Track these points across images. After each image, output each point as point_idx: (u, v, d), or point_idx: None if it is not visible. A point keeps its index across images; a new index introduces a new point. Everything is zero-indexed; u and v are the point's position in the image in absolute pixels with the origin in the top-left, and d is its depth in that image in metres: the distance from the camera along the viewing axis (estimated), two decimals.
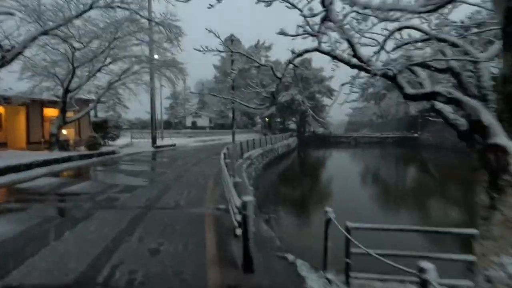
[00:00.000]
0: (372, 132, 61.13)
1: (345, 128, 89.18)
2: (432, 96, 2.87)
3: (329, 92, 48.76)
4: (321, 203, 11.91)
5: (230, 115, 51.32)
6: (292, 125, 68.36)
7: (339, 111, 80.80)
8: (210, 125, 51.00)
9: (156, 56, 15.26)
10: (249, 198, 3.55)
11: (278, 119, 63.56)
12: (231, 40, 8.19)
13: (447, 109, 3.58)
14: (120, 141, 21.25)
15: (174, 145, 22.93)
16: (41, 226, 5.02)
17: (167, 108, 54.36)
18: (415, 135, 45.87)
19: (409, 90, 3.06)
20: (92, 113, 22.31)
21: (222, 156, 8.98)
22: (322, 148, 42.37)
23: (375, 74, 3.21)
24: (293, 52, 4.25)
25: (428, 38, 3.66)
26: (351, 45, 3.23)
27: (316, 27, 3.71)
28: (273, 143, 27.24)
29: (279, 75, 4.54)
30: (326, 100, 50.86)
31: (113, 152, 15.80)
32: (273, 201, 11.24)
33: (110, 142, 20.90)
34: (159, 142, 22.29)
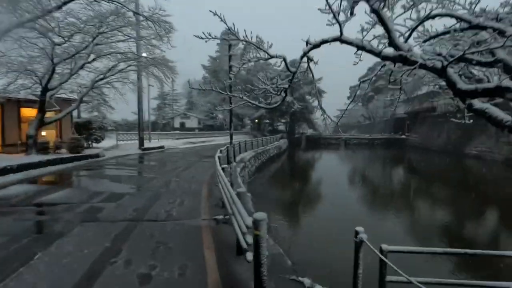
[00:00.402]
0: (359, 134, 61.60)
1: (333, 129, 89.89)
2: (498, 92, 2.34)
3: (319, 94, 48.68)
4: (322, 209, 11.41)
5: (219, 116, 50.68)
6: (281, 127, 68.21)
7: (327, 112, 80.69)
8: (199, 126, 49.94)
9: (144, 54, 14.39)
10: (261, 215, 2.93)
11: (267, 121, 63.24)
12: (229, 34, 7.53)
13: (493, 108, 3.08)
14: (105, 143, 20.15)
15: (162, 147, 21.99)
16: (6, 248, 4.22)
17: (155, 108, 52.97)
18: (403, 136, 46.37)
19: (463, 85, 2.53)
20: (75, 113, 21.11)
21: (217, 160, 8.31)
22: (313, 149, 42.19)
23: (418, 67, 2.66)
24: (308, 42, 3.67)
25: (469, 26, 3.15)
26: (388, 31, 2.69)
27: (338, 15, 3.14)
28: (265, 145, 26.70)
29: (292, 69, 3.95)
30: (315, 102, 50.85)
31: (97, 155, 14.80)
32: (271, 207, 10.63)
33: (94, 145, 19.78)
34: (146, 144, 21.31)
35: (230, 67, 7.41)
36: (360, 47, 3.17)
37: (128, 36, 12.25)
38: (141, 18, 11.45)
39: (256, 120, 59.77)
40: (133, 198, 7.16)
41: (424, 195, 14.52)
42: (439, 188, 16.40)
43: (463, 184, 16.91)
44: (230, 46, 7.37)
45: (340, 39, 3.28)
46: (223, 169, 6.61)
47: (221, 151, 11.52)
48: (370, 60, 60.49)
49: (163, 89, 49.91)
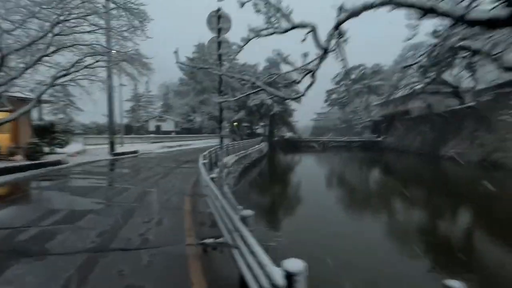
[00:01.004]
0: (336, 136, 62.29)
1: (310, 132, 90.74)
2: None
3: (298, 96, 48.48)
4: (317, 218, 10.32)
5: (197, 119, 48.82)
6: (259, 130, 67.46)
7: (304, 116, 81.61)
8: (176, 129, 47.80)
9: (114, 47, 12.76)
10: (297, 265, 1.83)
11: (245, 124, 62.20)
12: (218, 17, 6.39)
13: None
14: (70, 148, 18.03)
15: (136, 152, 20.17)
16: None
17: (128, 111, 50.06)
18: (379, 139, 47.21)
19: None
20: (36, 116, 18.82)
21: (202, 167, 7.10)
22: (293, 152, 41.67)
23: None
24: (342, 9, 2.64)
25: None
26: None
27: None
28: (246, 148, 25.60)
29: (324, 44, 2.89)
30: (295, 105, 50.45)
31: (58, 162, 12.92)
32: (263, 220, 9.53)
33: (58, 150, 17.62)
34: (118, 149, 19.42)
35: (220, 56, 6.27)
36: (428, 9, 2.17)
37: (96, 25, 10.66)
38: (112, 5, 9.96)
39: (235, 123, 58.59)
40: (98, 217, 5.74)
41: (403, 198, 14.35)
42: (416, 190, 16.32)
43: (438, 187, 16.90)
44: (220, 30, 6.19)
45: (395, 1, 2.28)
46: (212, 179, 5.41)
47: (204, 156, 10.30)
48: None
49: (137, 90, 47.32)
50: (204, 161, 8.30)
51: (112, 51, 12.33)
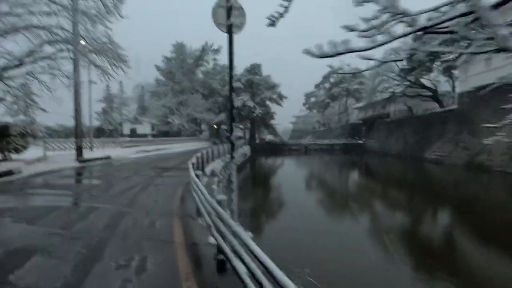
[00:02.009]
0: (316, 139, 62.11)
1: (290, 135, 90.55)
2: None
3: (280, 98, 47.51)
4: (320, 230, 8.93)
5: (176, 121, 46.15)
6: (239, 133, 65.81)
7: (283, 119, 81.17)
8: (153, 132, 44.97)
9: (81, 36, 10.63)
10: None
11: (225, 127, 60.29)
12: (228, 9, 4.70)
13: None
14: (29, 154, 15.39)
15: (108, 157, 17.82)
16: None
17: (100, 112, 46.42)
18: (360, 142, 47.30)
19: None
20: None
21: (197, 183, 5.43)
22: (275, 155, 40.47)
23: None
24: None
25: None
26: None
27: None
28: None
29: None
30: (275, 108, 49.32)
31: (10, 172, 10.55)
32: (265, 234, 8.00)
33: (14, 156, 14.96)
34: (87, 154, 16.99)
35: (231, 55, 4.65)
36: None
37: (57, 3, 8.59)
38: None
39: (215, 126, 56.51)
40: (47, 262, 3.86)
41: (392, 200, 14.15)
42: (405, 193, 15.93)
43: (427, 190, 16.49)
44: (231, 26, 4.48)
45: None
46: (219, 202, 3.77)
47: (193, 164, 8.59)
48: (324, 69, 61.73)
49: (110, 91, 43.94)
50: (198, 173, 6.61)
51: (79, 37, 10.18)
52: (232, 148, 5.49)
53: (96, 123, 41.15)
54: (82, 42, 10.45)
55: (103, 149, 21.61)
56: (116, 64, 11.57)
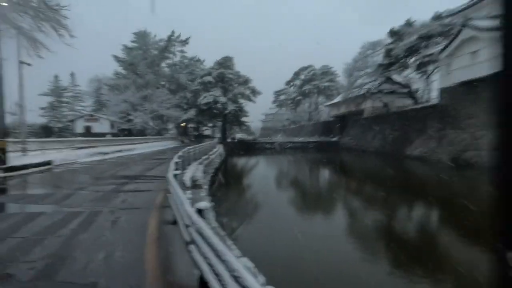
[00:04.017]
0: (288, 137, 60.41)
1: (259, 133, 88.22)
2: None
3: (253, 94, 44.50)
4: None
5: (139, 119, 40.67)
6: (207, 131, 61.69)
7: (253, 117, 78.46)
8: (112, 131, 39.31)
9: None
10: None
11: (192, 125, 55.81)
12: None
13: None
14: None
15: (48, 163, 13.38)
16: None
17: (46, 108, 39.46)
18: (334, 139, 46.19)
19: None
20: None
21: (193, 220, 2.16)
22: (250, 155, 37.50)
23: None
24: None
25: None
26: None
27: None
28: (206, 153, 20.51)
29: None
30: (248, 104, 46.18)
31: None
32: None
33: None
34: (17, 161, 12.46)
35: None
36: None
37: None
38: None
39: (183, 124, 51.85)
40: None
41: (387, 206, 11.87)
42: (392, 194, 13.79)
43: (420, 190, 14.68)
44: None
45: None
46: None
47: (175, 177, 5.28)
48: (295, 66, 60.12)
49: (59, 83, 37.28)
50: (189, 196, 3.32)
51: None
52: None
53: (41, 120, 34.65)
54: None
55: (44, 152, 16.83)
56: (56, 28, 7.61)
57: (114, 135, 37.34)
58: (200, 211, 2.99)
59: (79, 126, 38.07)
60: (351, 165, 27.62)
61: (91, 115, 39.07)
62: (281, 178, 20.97)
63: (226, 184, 15.97)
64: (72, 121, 38.38)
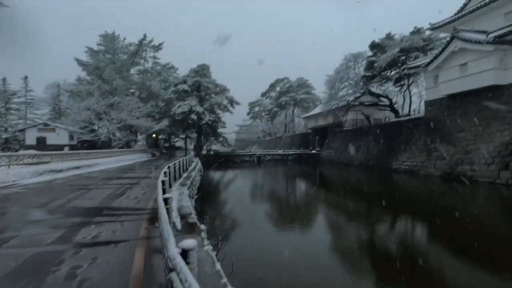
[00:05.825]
0: (265, 149, 58.43)
1: (233, 145, 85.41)
2: None
3: (231, 104, 41.96)
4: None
5: (104, 129, 35.85)
6: (179, 143, 57.71)
7: (227, 128, 75.84)
8: (72, 142, 34.24)
9: None
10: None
11: (163, 136, 51.69)
12: None
13: None
14: None
15: None
16: None
17: None
18: (314, 151, 44.92)
19: None
20: None
21: None
22: (228, 168, 34.65)
23: None
24: None
25: None
26: None
27: None
28: (186, 169, 17.57)
29: None
30: (224, 115, 43.38)
31: None
32: None
33: None
34: None
35: None
36: None
37: None
38: None
39: (154, 135, 47.56)
40: None
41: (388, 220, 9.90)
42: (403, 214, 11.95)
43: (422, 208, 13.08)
44: None
45: None
46: None
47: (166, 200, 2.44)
48: (270, 78, 59.04)
49: (6, 87, 31.76)
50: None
51: None
52: None
53: None
54: None
55: None
56: None
57: (73, 147, 32.41)
58: None
59: (31, 137, 32.55)
60: (346, 181, 25.47)
61: (46, 124, 33.62)
62: (276, 201, 18.42)
63: (218, 211, 13.08)
64: (22, 130, 32.72)
